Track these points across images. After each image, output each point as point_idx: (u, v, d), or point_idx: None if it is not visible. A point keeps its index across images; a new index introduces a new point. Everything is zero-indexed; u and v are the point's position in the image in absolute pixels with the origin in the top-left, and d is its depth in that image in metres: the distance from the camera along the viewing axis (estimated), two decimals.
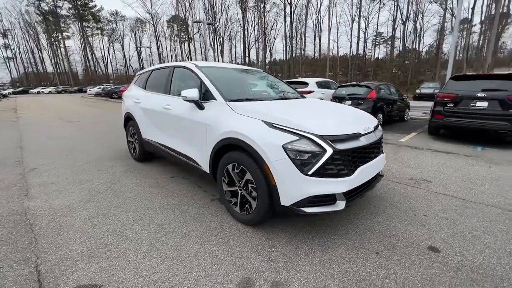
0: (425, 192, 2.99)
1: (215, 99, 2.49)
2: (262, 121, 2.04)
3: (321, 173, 1.83)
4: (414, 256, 1.86)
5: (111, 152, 4.70)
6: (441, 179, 3.40)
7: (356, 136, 2.05)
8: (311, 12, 49.13)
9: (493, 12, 32.05)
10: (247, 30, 49.69)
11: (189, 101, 2.59)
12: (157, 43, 57.71)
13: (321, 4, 54.96)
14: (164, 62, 62.97)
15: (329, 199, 1.88)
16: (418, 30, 43.60)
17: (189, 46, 53.10)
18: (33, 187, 3.10)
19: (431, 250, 1.93)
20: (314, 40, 50.99)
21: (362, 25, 46.73)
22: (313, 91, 8.59)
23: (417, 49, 44.18)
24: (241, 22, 49.96)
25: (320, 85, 9.16)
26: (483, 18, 37.02)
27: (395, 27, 44.00)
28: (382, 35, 48.52)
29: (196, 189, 3.06)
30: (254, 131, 2.00)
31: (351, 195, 1.98)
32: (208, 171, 2.55)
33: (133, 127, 3.99)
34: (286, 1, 43.10)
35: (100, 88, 30.68)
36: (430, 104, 6.31)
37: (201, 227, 2.24)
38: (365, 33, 47.08)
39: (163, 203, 2.70)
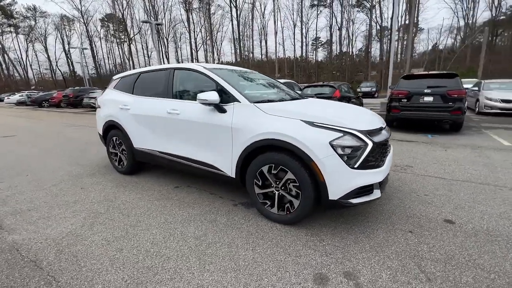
0: (412, 175, 3.45)
1: (238, 101, 2.43)
2: (301, 120, 2.09)
3: (364, 165, 1.98)
4: (439, 230, 2.16)
5: (85, 168, 4.10)
6: (418, 163, 3.96)
7: (380, 130, 2.27)
8: (256, 16, 50.48)
9: (407, 21, 38.26)
10: (194, 31, 48.45)
11: (209, 104, 2.47)
12: (90, 44, 51.67)
13: (264, 8, 57.08)
14: (99, 65, 56.77)
15: (369, 189, 2.05)
16: (350, 35, 49.12)
17: (129, 47, 49.05)
18: (6, 218, 2.52)
19: (448, 223, 2.26)
20: (260, 42, 52.69)
21: (304, 30, 50.15)
22: None
23: (351, 52, 49.62)
24: (186, 24, 48.51)
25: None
26: (398, 26, 43.55)
27: (332, 32, 48.69)
28: (320, 39, 52.90)
29: (210, 196, 2.92)
30: (298, 131, 2.03)
31: (382, 184, 2.18)
32: (233, 176, 2.48)
33: (118, 136, 3.56)
34: (231, 4, 43.48)
35: (23, 95, 25.96)
36: (371, 101, 7.24)
37: (242, 233, 2.17)
38: (305, 38, 50.71)
39: (184, 215, 2.51)
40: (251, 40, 49.07)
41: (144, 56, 54.05)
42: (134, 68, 50.70)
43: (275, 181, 2.23)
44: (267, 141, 2.15)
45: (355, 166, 1.95)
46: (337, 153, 1.93)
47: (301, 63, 51.39)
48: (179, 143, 2.88)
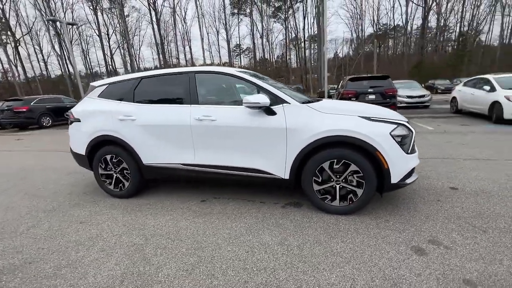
0: None
1: (288, 102, 2.47)
2: (359, 116, 2.31)
3: (412, 150, 2.36)
4: (456, 195, 2.74)
5: (57, 198, 3.23)
6: None
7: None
8: (177, 20, 48.58)
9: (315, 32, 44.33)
10: (107, 34, 42.91)
11: (259, 107, 2.41)
12: None
13: (185, 13, 55.65)
14: None
15: (412, 171, 2.44)
16: (270, 43, 53.30)
17: (16, 50, 39.42)
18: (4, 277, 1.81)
19: (453, 189, 2.89)
20: (184, 48, 51.13)
21: (227, 36, 51.28)
22: None
23: (271, 58, 53.80)
24: (95, 25, 42.53)
25: None
26: (306, 36, 49.86)
27: (254, 40, 51.64)
28: (241, 46, 55.18)
29: (250, 203, 2.81)
30: (362, 126, 2.24)
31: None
32: (286, 177, 2.49)
33: (115, 154, 2.98)
34: (150, 7, 40.64)
35: None
36: None
37: (317, 230, 2.22)
38: (229, 44, 52.09)
39: (243, 226, 2.36)
40: (175, 46, 46.94)
41: (38, 61, 44.58)
42: (25, 74, 41.15)
43: (335, 175, 2.37)
44: (331, 138, 2.28)
45: (408, 151, 2.30)
46: (396, 141, 2.23)
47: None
48: (213, 151, 2.67)
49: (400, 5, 46.64)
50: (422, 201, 2.65)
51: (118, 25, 42.36)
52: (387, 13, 60.20)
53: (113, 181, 3.10)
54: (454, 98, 9.28)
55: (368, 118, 2.30)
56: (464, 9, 38.57)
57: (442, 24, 40.05)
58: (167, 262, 1.91)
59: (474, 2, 37.69)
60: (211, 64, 49.26)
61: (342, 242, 2.04)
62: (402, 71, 35.74)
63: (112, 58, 45.29)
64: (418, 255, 1.83)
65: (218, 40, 51.90)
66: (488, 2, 36.86)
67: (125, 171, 3.04)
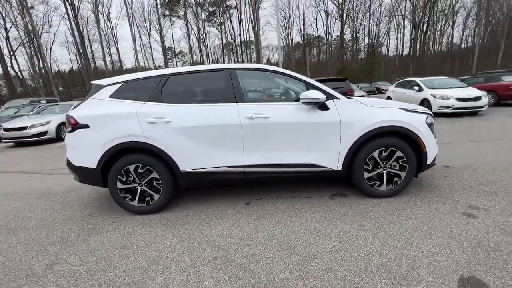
0: None
1: (338, 98, 2.61)
2: (400, 109, 2.63)
3: (435, 135, 2.82)
4: (453, 171, 3.37)
5: (76, 221, 2.55)
6: None
7: None
8: (101, 18, 42.97)
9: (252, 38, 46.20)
10: (5, 29, 34.81)
11: (315, 103, 2.48)
12: None
13: (109, 11, 49.94)
14: None
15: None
16: (207, 46, 52.87)
17: None
18: None
19: (446, 167, 3.55)
20: (110, 49, 45.79)
21: (159, 38, 48.26)
22: None
23: (208, 62, 53.36)
24: None
25: None
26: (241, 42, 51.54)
27: (190, 43, 50.25)
28: (174, 49, 52.86)
29: (299, 200, 2.83)
30: (406, 117, 2.56)
31: None
32: (338, 169, 2.63)
33: (143, 163, 2.56)
34: (66, 1, 34.94)
35: None
36: None
37: (385, 214, 2.43)
38: (163, 46, 49.26)
39: (314, 222, 2.37)
40: (100, 46, 41.43)
41: None
42: None
43: (382, 162, 2.64)
44: (383, 129, 2.52)
45: (435, 136, 2.74)
46: (430, 128, 2.64)
47: None
48: (265, 150, 2.59)
49: (322, 18, 53.13)
50: (434, 179, 3.17)
51: (21, 18, 34.77)
52: (311, 24, 67.24)
53: (137, 196, 2.65)
54: (389, 97, 11.12)
55: (407, 110, 2.65)
56: (370, 24, 46.55)
57: (355, 36, 47.33)
58: (272, 267, 1.79)
59: (376, 20, 45.97)
60: (145, 68, 45.55)
61: (410, 219, 2.29)
62: (331, 76, 40.49)
63: (12, 57, 36.82)
64: (472, 218, 2.23)
65: (150, 42, 48.29)
66: (387, 19, 45.47)
67: (154, 182, 2.63)
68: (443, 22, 44.41)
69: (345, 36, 47.41)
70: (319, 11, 49.26)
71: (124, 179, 2.61)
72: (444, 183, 3.01)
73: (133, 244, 2.18)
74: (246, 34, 52.22)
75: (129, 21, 39.03)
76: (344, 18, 46.01)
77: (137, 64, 44.00)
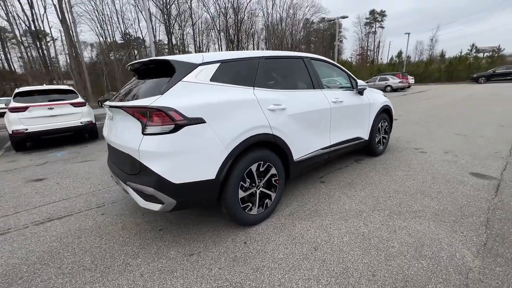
0: None
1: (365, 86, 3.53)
2: (380, 94, 4.00)
3: None
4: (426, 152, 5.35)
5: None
6: None
7: None
8: None
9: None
10: None
11: (362, 90, 3.27)
12: None
13: None
14: None
15: None
16: None
17: None
18: None
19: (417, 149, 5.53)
20: None
21: None
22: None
23: None
24: None
25: None
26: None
27: None
28: None
29: (349, 169, 3.48)
30: (386, 98, 3.95)
31: None
32: (367, 138, 3.62)
33: (264, 159, 2.15)
34: None
35: None
36: None
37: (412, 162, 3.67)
38: None
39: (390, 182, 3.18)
40: None
41: None
42: None
43: (383, 130, 3.93)
44: (385, 107, 3.78)
45: None
46: None
47: None
48: (340, 129, 3.04)
49: (145, 19, 50.53)
50: (413, 157, 4.94)
51: None
52: (132, 24, 61.91)
53: (257, 200, 2.19)
54: None
55: (383, 95, 4.07)
56: (195, 34, 50.63)
57: (180, 43, 49.62)
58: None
59: (198, 31, 50.76)
60: None
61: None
62: None
63: None
64: (485, 179, 3.98)
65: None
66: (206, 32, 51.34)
67: (273, 179, 2.29)
68: (249, 41, 56.60)
69: (173, 42, 48.19)
70: (141, 11, 46.57)
71: (246, 184, 2.07)
72: (423, 163, 4.82)
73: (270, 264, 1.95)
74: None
75: None
76: (169, 23, 46.57)
77: None
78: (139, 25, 66.32)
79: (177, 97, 1.76)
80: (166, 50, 48.64)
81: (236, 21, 47.96)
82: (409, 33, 31.48)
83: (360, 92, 3.40)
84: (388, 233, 2.00)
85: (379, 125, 3.85)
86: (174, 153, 1.72)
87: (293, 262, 1.74)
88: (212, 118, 1.84)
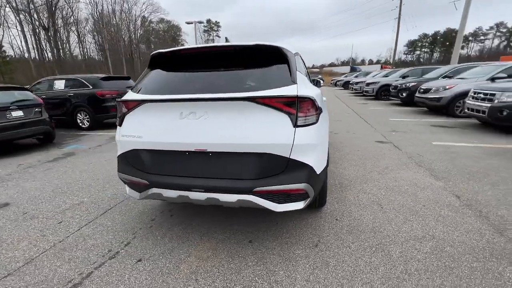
0: None
1: None
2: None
3: None
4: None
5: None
6: None
7: None
8: None
9: None
10: None
11: None
12: None
13: None
14: None
15: None
16: None
17: None
18: None
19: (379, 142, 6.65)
20: None
21: None
22: None
23: None
24: None
25: None
26: None
27: None
28: None
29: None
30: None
31: None
32: None
33: None
34: None
35: None
36: None
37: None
38: None
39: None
40: None
41: None
42: None
43: None
44: None
45: None
46: None
47: None
48: None
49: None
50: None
51: None
52: None
53: None
54: None
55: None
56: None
57: None
58: None
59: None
60: None
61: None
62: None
63: None
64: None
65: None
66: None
67: None
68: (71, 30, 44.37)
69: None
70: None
71: None
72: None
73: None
74: None
75: None
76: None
77: None
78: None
79: (304, 87, 1.74)
80: None
81: (47, 1, 36.33)
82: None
83: None
84: None
85: None
86: (318, 144, 1.71)
87: None
88: (323, 108, 1.95)
